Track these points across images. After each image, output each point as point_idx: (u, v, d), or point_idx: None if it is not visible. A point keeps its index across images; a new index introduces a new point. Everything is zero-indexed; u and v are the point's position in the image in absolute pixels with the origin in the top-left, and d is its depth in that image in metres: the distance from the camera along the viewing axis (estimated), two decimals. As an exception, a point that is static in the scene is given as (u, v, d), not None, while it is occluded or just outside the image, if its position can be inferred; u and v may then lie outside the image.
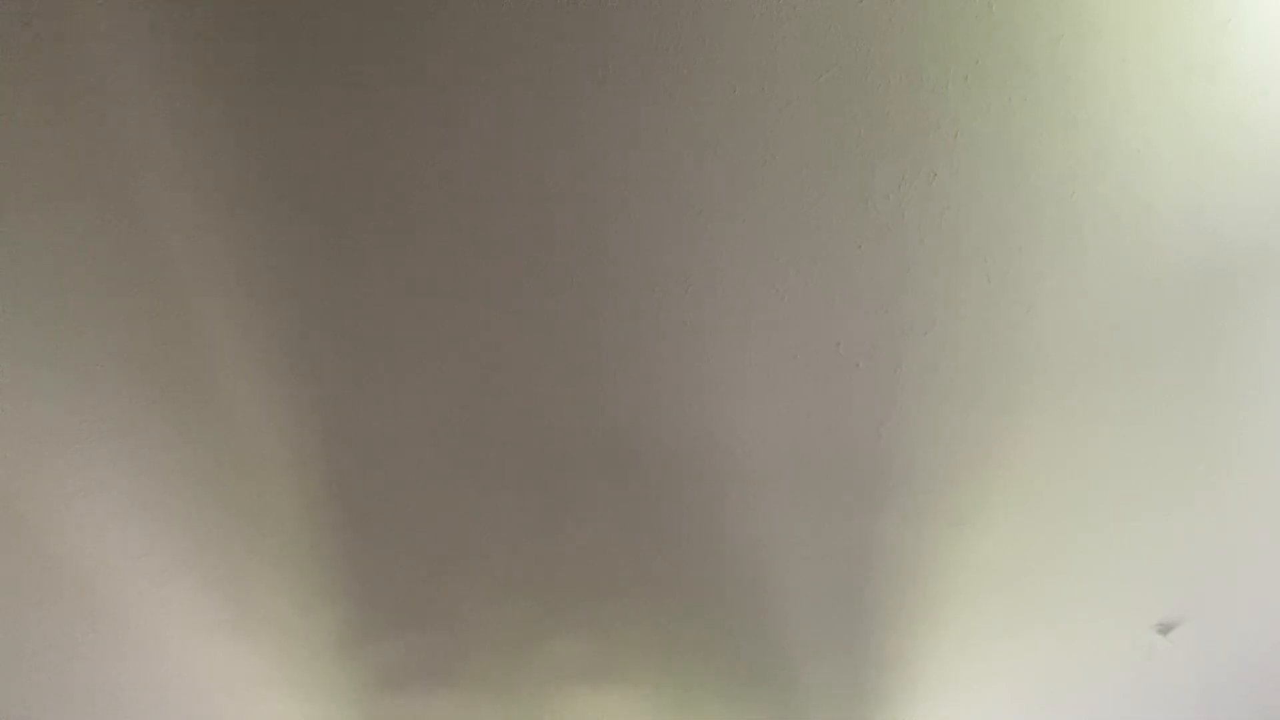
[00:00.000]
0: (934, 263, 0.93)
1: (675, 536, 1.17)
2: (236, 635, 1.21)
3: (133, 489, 1.01)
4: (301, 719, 1.35)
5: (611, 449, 1.06)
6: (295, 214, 0.84)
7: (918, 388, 1.03)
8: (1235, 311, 1.00)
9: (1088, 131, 0.84)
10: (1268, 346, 1.04)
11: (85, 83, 0.73)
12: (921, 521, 1.17)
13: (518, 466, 1.07)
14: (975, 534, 1.19)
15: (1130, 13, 0.77)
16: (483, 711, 1.41)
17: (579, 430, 1.04)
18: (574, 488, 1.10)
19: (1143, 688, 1.48)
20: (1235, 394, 1.09)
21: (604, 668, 1.37)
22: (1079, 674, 1.44)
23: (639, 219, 0.88)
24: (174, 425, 0.96)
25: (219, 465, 1.01)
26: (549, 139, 0.81)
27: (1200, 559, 1.28)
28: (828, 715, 1.41)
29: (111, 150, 0.78)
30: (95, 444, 0.96)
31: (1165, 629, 1.36)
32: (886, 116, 0.82)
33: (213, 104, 0.76)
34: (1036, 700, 1.48)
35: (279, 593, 1.17)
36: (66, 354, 0.89)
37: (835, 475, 1.11)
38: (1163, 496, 1.18)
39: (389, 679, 1.30)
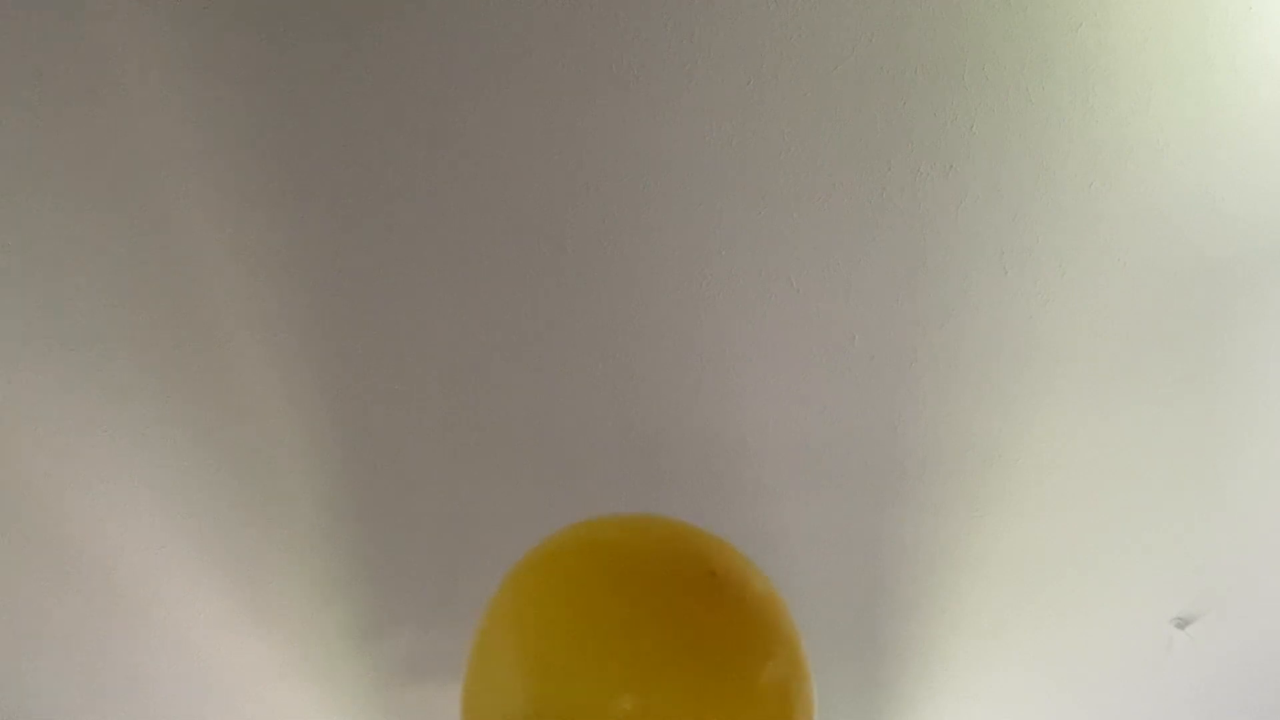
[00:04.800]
0: (950, 255, 0.92)
1: (690, 529, 1.17)
2: (254, 626, 1.22)
3: (154, 479, 1.02)
4: (319, 709, 1.36)
5: (625, 444, 1.06)
6: (314, 212, 0.84)
7: (933, 380, 1.03)
8: (1256, 303, 0.99)
9: (1106, 122, 0.83)
10: (1289, 339, 1.03)
11: (106, 77, 0.74)
12: (938, 515, 1.17)
13: (533, 461, 1.07)
14: (992, 527, 1.19)
15: (1150, 0, 0.76)
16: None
17: (594, 425, 1.04)
18: (588, 482, 1.10)
19: (1160, 682, 1.47)
20: (1255, 386, 1.08)
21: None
22: (1096, 667, 1.43)
23: (653, 215, 0.88)
24: (195, 416, 0.98)
25: (238, 456, 1.02)
26: (565, 138, 0.81)
27: (1219, 552, 1.27)
28: (847, 707, 1.41)
29: (132, 149, 0.78)
30: (117, 433, 0.97)
31: (1183, 623, 1.35)
32: (902, 108, 0.81)
33: (227, 99, 0.77)
34: (1053, 693, 1.48)
35: (297, 585, 1.18)
36: (90, 343, 0.90)
37: (851, 468, 1.11)
38: (1181, 489, 1.18)
39: (407, 670, 1.31)
